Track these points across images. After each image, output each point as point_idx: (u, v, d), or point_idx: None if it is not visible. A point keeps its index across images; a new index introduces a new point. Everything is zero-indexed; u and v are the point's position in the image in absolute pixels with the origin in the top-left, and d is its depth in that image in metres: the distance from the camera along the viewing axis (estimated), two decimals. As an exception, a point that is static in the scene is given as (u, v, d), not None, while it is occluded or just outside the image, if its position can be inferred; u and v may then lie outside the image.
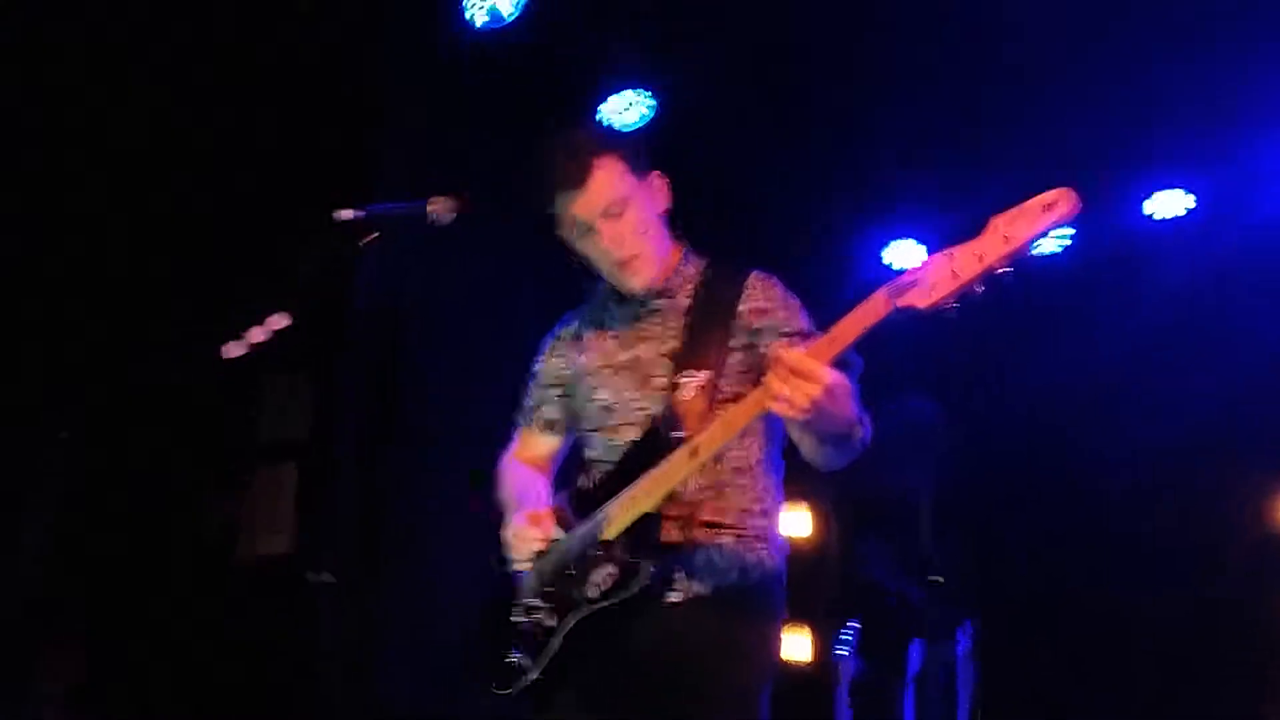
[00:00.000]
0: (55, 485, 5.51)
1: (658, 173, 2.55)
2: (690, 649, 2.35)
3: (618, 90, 4.85)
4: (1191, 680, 4.81)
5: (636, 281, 2.50)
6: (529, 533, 2.42)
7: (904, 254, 5.63)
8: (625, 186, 2.46)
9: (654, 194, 2.53)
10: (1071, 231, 5.31)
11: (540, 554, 2.43)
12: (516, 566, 2.48)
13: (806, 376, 2.04)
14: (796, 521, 5.63)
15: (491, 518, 2.62)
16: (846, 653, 4.75)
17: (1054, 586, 5.23)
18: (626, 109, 4.86)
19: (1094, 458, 5.27)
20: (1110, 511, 5.20)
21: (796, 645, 5.40)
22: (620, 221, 2.46)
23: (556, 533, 2.42)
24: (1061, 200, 1.88)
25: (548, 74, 4.61)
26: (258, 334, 2.47)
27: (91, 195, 4.84)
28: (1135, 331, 5.12)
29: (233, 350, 2.49)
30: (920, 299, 1.97)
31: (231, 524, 5.55)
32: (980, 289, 1.94)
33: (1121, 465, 5.17)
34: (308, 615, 4.86)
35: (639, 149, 2.54)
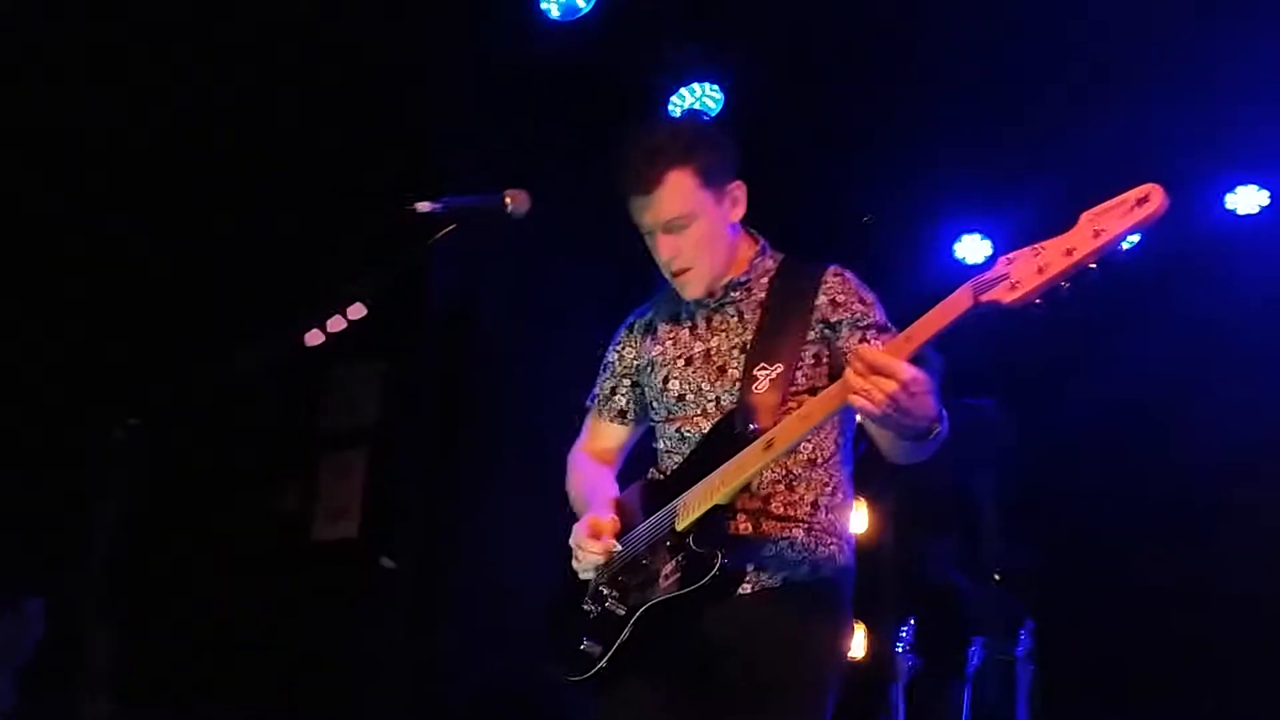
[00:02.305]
0: (127, 470, 5.62)
1: (738, 182, 2.52)
2: (759, 641, 2.36)
3: (687, 85, 4.85)
4: (1258, 689, 4.73)
5: (687, 293, 2.53)
6: (590, 546, 2.41)
7: (973, 249, 5.59)
8: (693, 202, 2.45)
9: (728, 205, 2.51)
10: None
11: (600, 566, 2.44)
12: (581, 576, 2.50)
13: (885, 372, 2.03)
14: (855, 517, 5.62)
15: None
16: (904, 649, 4.73)
17: (1118, 588, 5.16)
18: (695, 102, 4.86)
19: (1164, 457, 5.19)
20: (1180, 512, 5.12)
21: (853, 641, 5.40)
22: (681, 236, 2.46)
23: (616, 546, 2.41)
24: (1153, 195, 1.86)
25: (618, 68, 4.62)
26: (337, 323, 2.50)
27: (178, 186, 4.94)
28: (1207, 331, 5.04)
29: (313, 339, 2.53)
30: (1006, 294, 1.94)
31: (300, 509, 5.63)
32: (1067, 285, 1.92)
33: (1192, 466, 5.09)
34: (375, 599, 4.95)
35: (723, 157, 2.50)
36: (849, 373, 2.08)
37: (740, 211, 2.54)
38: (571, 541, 2.48)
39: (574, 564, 2.48)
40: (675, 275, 2.51)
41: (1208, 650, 4.90)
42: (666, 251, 2.47)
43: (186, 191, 4.99)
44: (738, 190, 2.52)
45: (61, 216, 4.92)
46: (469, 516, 4.93)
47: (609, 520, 2.44)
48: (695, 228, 2.46)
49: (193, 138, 4.80)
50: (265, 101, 4.70)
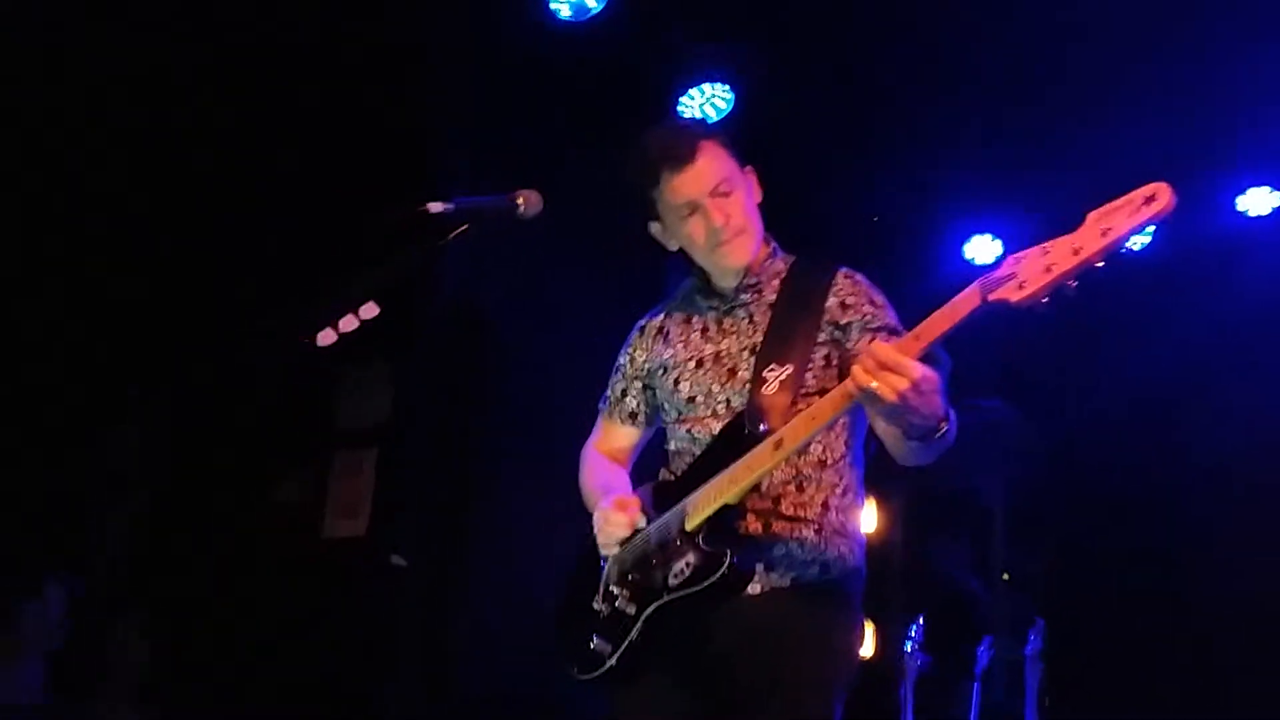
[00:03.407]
0: (141, 465, 5.68)
1: (750, 167, 2.58)
2: (768, 640, 2.37)
3: (697, 85, 4.86)
4: (1263, 690, 4.72)
5: (739, 258, 2.53)
6: (617, 518, 2.44)
7: (982, 249, 5.59)
8: (731, 168, 2.51)
9: (751, 185, 2.57)
10: (1152, 228, 5.23)
11: (625, 540, 2.47)
12: (603, 551, 2.52)
13: (894, 370, 2.04)
14: (864, 517, 5.62)
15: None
16: (912, 648, 4.73)
17: (1128, 590, 5.16)
18: (705, 103, 4.87)
19: (1174, 458, 5.19)
20: (1189, 515, 5.12)
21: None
22: (729, 200, 2.50)
23: (642, 520, 2.45)
24: (1160, 194, 1.86)
25: (629, 69, 4.63)
26: (349, 322, 2.52)
27: (192, 180, 4.96)
28: (1218, 333, 5.03)
29: (325, 338, 2.55)
30: (1013, 293, 1.95)
31: (310, 506, 5.65)
32: (1074, 284, 1.92)
33: (1202, 467, 5.08)
34: (385, 597, 4.97)
35: (736, 143, 2.57)
36: (857, 370, 2.08)
37: (758, 195, 2.58)
38: (596, 517, 2.50)
39: (598, 537, 2.49)
40: (728, 240, 2.50)
41: (1213, 651, 4.90)
42: (719, 215, 2.48)
43: (201, 186, 5.01)
44: (751, 174, 2.58)
45: (75, 211, 4.95)
46: (480, 514, 4.94)
47: (634, 498, 2.48)
48: (737, 195, 2.50)
49: (202, 132, 4.82)
50: (274, 95, 4.72)
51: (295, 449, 5.75)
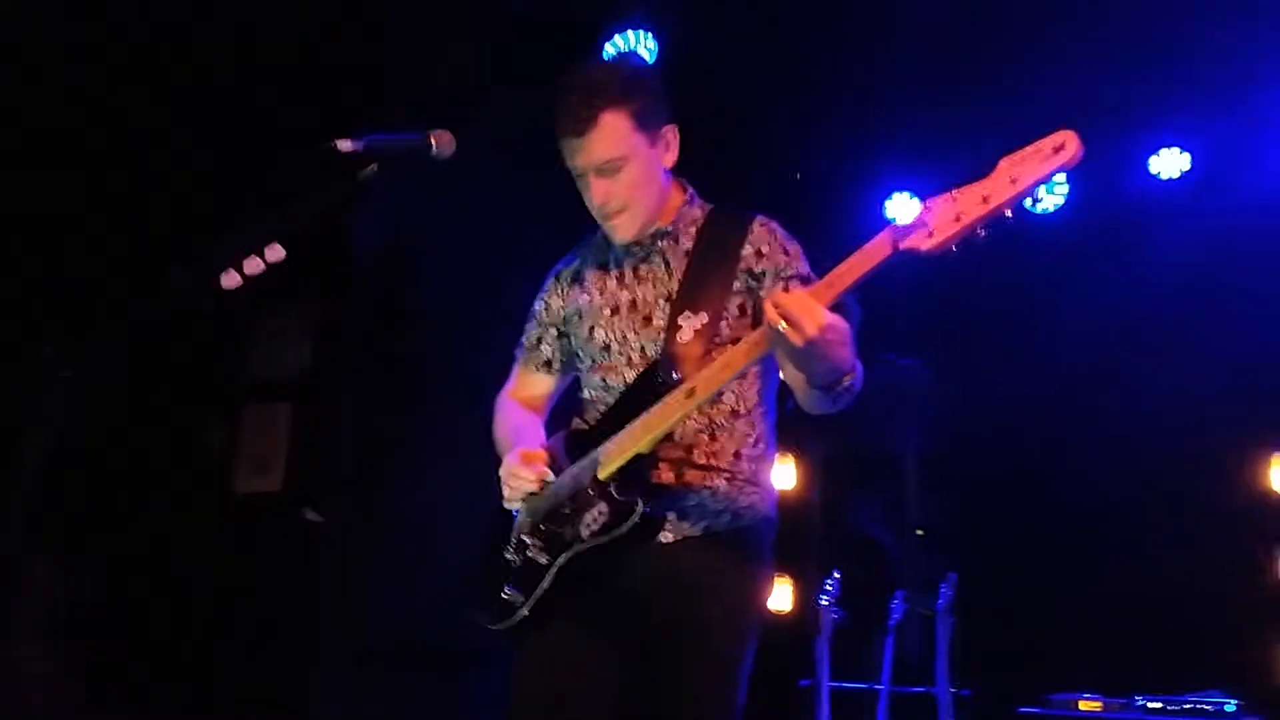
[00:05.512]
0: (49, 413, 5.49)
1: (672, 126, 2.51)
2: (679, 587, 2.38)
3: (621, 31, 4.80)
4: (1172, 643, 4.86)
5: (618, 236, 2.51)
6: (523, 472, 2.43)
7: (902, 207, 5.62)
8: (627, 144, 2.43)
9: (661, 149, 2.50)
10: (1066, 188, 5.31)
11: (533, 494, 2.45)
12: (509, 505, 2.50)
13: (804, 314, 2.04)
14: (782, 473, 5.66)
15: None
16: (828, 602, 4.79)
17: (1039, 545, 5.27)
18: (629, 50, 4.82)
19: (1084, 416, 5.29)
20: (1098, 472, 5.23)
21: (778, 594, 5.46)
22: (613, 180, 2.44)
23: (549, 474, 2.43)
24: (1068, 143, 1.88)
25: (554, 12, 4.55)
26: (254, 265, 2.43)
27: (86, 125, 4.79)
28: (1129, 292, 5.12)
29: (229, 280, 2.44)
30: (922, 241, 1.97)
31: (221, 459, 5.54)
32: (983, 233, 1.94)
33: (1112, 424, 5.19)
34: (300, 552, 4.91)
35: (657, 100, 2.48)
36: (769, 308, 2.08)
37: (673, 157, 2.53)
38: (502, 471, 2.48)
39: (504, 490, 2.48)
40: (607, 219, 2.49)
41: (1125, 603, 5.03)
42: (599, 195, 2.45)
43: (110, 128, 4.83)
44: (670, 134, 2.51)
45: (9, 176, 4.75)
46: (397, 468, 4.88)
47: (540, 452, 2.45)
48: (628, 170, 2.44)
49: (116, 75, 4.65)
50: (192, 32, 4.56)
51: (209, 397, 5.62)
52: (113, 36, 4.48)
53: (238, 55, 4.58)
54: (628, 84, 2.43)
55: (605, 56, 4.76)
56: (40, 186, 4.91)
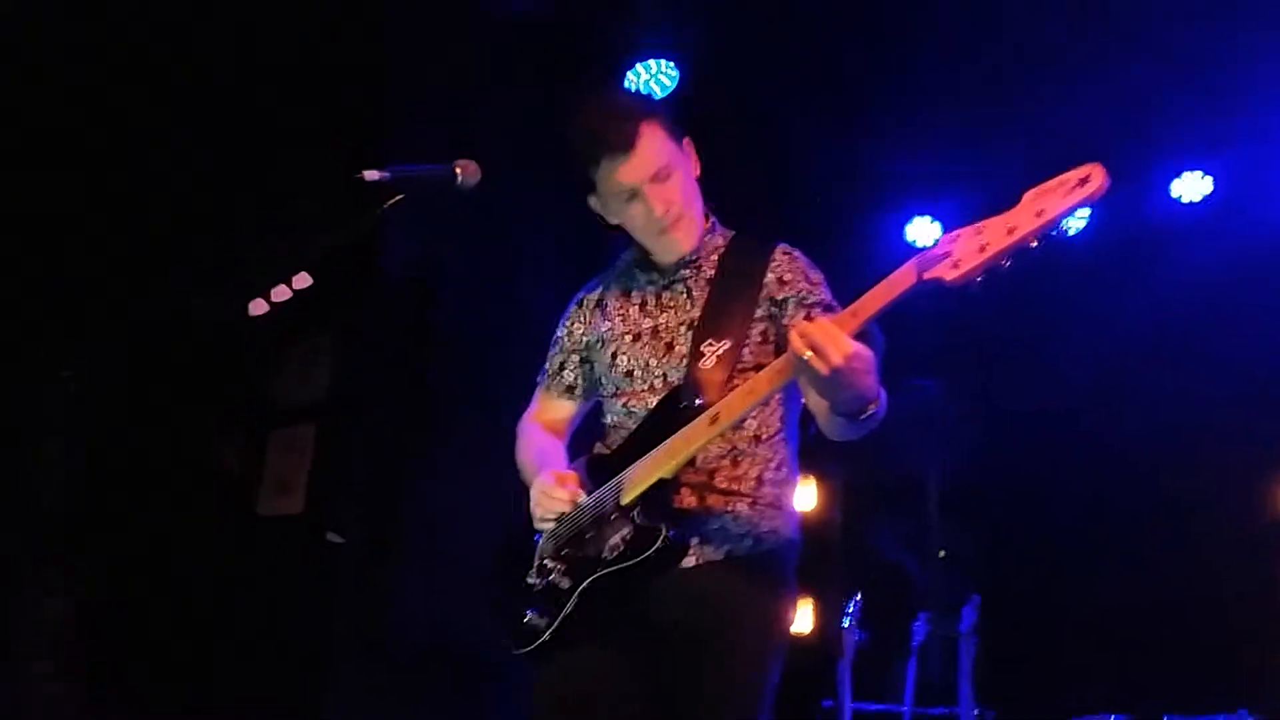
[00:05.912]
0: (69, 430, 5.54)
1: (688, 139, 2.57)
2: (702, 612, 2.38)
3: (642, 60, 4.83)
4: (1194, 667, 4.83)
5: (684, 244, 2.52)
6: (556, 492, 2.43)
7: (923, 231, 5.63)
8: (669, 151, 2.48)
9: (690, 159, 2.56)
10: (1088, 211, 5.30)
11: (562, 515, 2.46)
12: (539, 525, 2.51)
13: (829, 343, 2.06)
14: (803, 495, 5.66)
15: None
16: (850, 624, 4.78)
17: (1062, 567, 5.24)
18: (650, 79, 4.84)
19: (1107, 439, 5.27)
20: (1120, 494, 5.21)
21: (799, 616, 5.46)
22: (668, 185, 2.48)
23: (580, 495, 2.44)
24: (1094, 175, 1.89)
25: (574, 42, 4.57)
26: (281, 292, 2.47)
27: (86, 125, 4.78)
28: (1151, 316, 5.10)
29: (257, 308, 2.49)
30: (948, 272, 1.97)
31: (245, 481, 5.58)
32: (1008, 264, 1.94)
33: (1135, 448, 5.17)
34: (321, 575, 4.93)
35: (673, 115, 2.55)
36: (794, 337, 2.09)
37: (698, 169, 2.57)
38: (534, 492, 2.49)
39: (534, 512, 2.48)
40: (668, 230, 2.50)
41: (1149, 623, 4.99)
42: (661, 204, 2.47)
43: (150, 146, 4.86)
44: (689, 146, 2.56)
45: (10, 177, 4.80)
46: (419, 490, 4.90)
47: (572, 473, 2.47)
48: (676, 176, 2.49)
49: (143, 89, 4.68)
50: (230, 58, 4.59)
51: (235, 421, 5.67)
52: (113, 36, 4.48)
53: (238, 55, 4.57)
54: (647, 100, 2.52)
55: (627, 85, 4.79)
56: (40, 186, 4.92)
